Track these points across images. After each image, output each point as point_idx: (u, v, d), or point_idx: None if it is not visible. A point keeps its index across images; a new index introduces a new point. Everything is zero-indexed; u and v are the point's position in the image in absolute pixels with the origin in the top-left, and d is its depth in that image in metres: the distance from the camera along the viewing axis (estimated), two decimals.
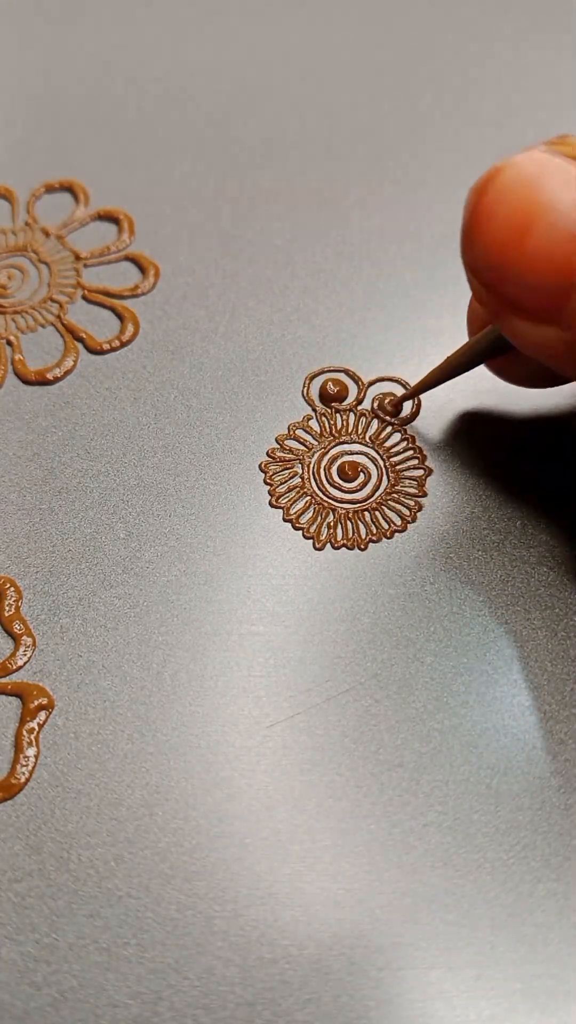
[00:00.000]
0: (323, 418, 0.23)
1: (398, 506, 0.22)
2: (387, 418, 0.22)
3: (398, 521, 0.22)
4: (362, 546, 0.21)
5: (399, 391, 0.23)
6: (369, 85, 0.29)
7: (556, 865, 0.18)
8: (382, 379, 0.24)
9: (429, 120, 0.29)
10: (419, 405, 0.23)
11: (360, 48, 0.30)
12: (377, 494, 0.22)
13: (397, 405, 0.23)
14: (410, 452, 0.23)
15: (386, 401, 0.23)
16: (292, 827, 0.18)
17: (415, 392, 0.23)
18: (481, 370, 0.22)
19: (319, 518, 0.22)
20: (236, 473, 0.22)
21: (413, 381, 0.24)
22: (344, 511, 0.22)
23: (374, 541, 0.21)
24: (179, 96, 0.30)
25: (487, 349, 0.20)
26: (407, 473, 0.22)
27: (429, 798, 0.18)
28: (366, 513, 0.22)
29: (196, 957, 0.17)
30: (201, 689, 0.20)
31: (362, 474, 0.22)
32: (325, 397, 0.23)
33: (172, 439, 0.23)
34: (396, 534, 0.21)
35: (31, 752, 0.19)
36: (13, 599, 0.21)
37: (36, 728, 0.19)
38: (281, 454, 0.23)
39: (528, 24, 0.31)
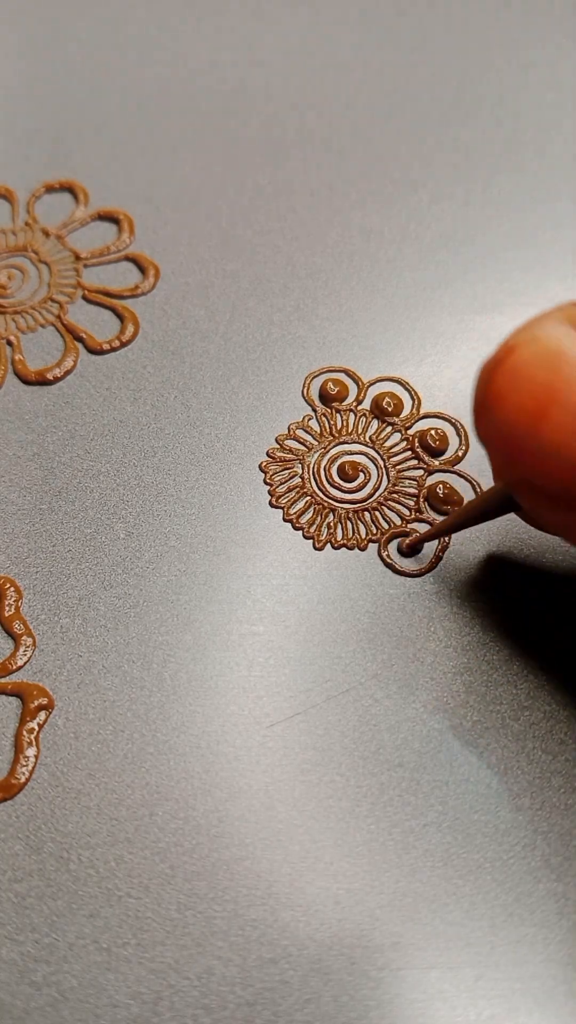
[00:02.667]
0: (323, 418, 0.23)
1: (398, 506, 0.22)
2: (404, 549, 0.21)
3: (398, 521, 0.22)
4: (362, 546, 0.21)
5: (399, 391, 0.23)
6: (369, 85, 0.29)
7: (556, 865, 0.18)
8: (382, 379, 0.24)
9: (429, 120, 0.29)
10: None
11: (360, 48, 0.30)
12: (377, 494, 0.22)
13: (412, 546, 0.21)
14: (410, 452, 0.23)
15: (404, 544, 0.21)
16: (292, 827, 0.18)
17: (425, 538, 0.21)
18: None
19: (319, 518, 0.22)
20: (236, 473, 0.22)
21: (413, 380, 0.24)
22: (344, 511, 0.22)
23: (374, 541, 0.21)
24: (179, 96, 0.30)
25: (498, 507, 0.19)
26: (407, 473, 0.22)
27: (429, 798, 0.18)
28: (366, 513, 0.22)
29: (196, 957, 0.17)
30: (201, 689, 0.20)
31: (362, 474, 0.22)
32: (325, 397, 0.23)
33: (172, 439, 0.23)
34: (396, 535, 0.21)
35: (31, 752, 0.19)
36: (13, 599, 0.21)
37: (36, 728, 0.19)
38: (281, 454, 0.23)
39: (528, 24, 0.31)
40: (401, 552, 0.21)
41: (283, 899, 0.18)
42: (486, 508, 0.19)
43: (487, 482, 0.22)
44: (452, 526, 0.20)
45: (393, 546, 0.21)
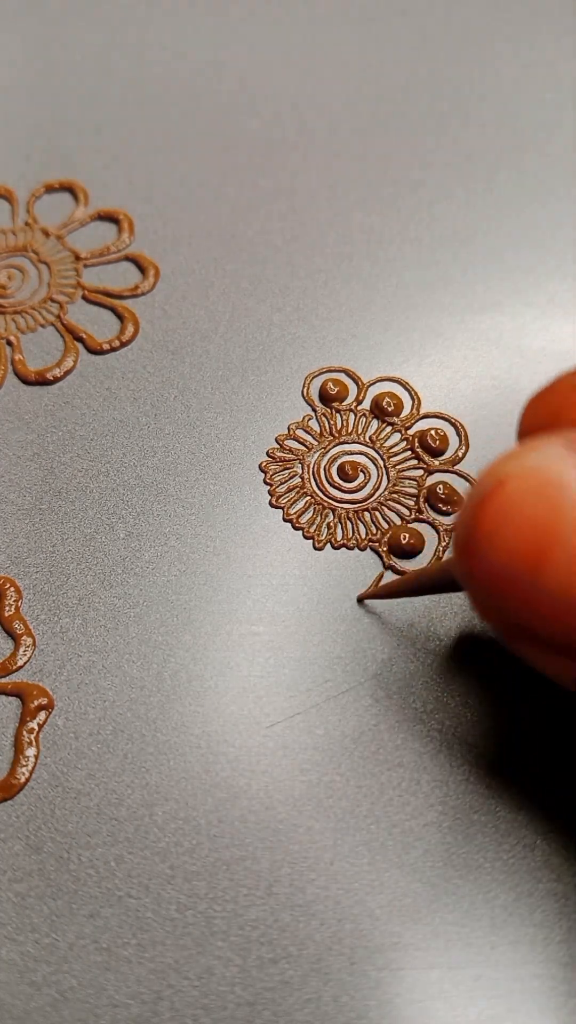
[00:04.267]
0: (323, 418, 0.23)
1: (398, 506, 0.22)
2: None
3: (398, 521, 0.22)
4: (362, 546, 0.21)
5: (399, 391, 0.23)
6: (369, 85, 0.29)
7: (556, 865, 0.18)
8: (382, 379, 0.24)
9: (429, 120, 0.29)
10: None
11: (360, 48, 0.30)
12: (377, 494, 0.22)
13: (362, 600, 0.21)
14: (410, 452, 0.23)
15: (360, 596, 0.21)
16: (292, 827, 0.18)
17: (374, 595, 0.20)
18: None
19: (319, 518, 0.22)
20: (236, 473, 0.22)
21: (413, 380, 0.24)
22: (344, 511, 0.22)
23: (374, 541, 0.21)
24: (179, 96, 0.30)
25: (448, 586, 0.17)
26: (407, 473, 0.22)
27: (429, 798, 0.18)
28: (366, 513, 0.22)
29: (196, 957, 0.17)
30: (201, 689, 0.20)
31: (362, 474, 0.22)
32: (325, 397, 0.23)
33: (172, 439, 0.23)
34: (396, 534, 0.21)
35: (31, 752, 0.19)
36: (13, 599, 0.21)
37: (36, 728, 0.19)
38: (281, 454, 0.23)
39: (528, 24, 0.31)
40: (358, 600, 0.21)
41: (283, 899, 0.18)
42: (436, 584, 0.18)
43: None
44: (403, 591, 0.19)
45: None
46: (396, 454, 0.23)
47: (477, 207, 0.27)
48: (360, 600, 0.21)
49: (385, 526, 0.22)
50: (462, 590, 0.17)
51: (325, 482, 0.22)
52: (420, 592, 0.19)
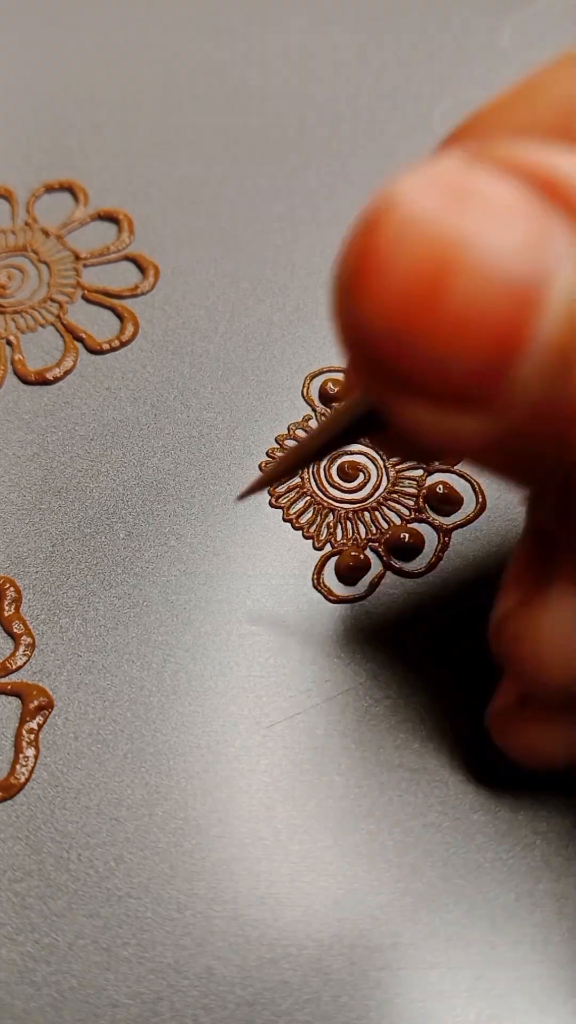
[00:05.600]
0: (323, 418, 0.23)
1: (398, 506, 0.22)
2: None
3: (398, 521, 0.22)
4: (362, 546, 0.21)
5: None
6: (369, 85, 0.30)
7: (556, 865, 0.18)
8: None
9: (429, 120, 0.29)
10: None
11: (360, 48, 0.30)
12: (377, 494, 0.22)
13: (244, 494, 0.18)
14: None
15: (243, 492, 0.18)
16: (292, 827, 0.18)
17: (268, 480, 0.17)
18: None
19: (319, 518, 0.22)
20: (236, 473, 0.22)
21: None
22: (344, 511, 0.22)
23: (374, 541, 0.21)
24: (179, 96, 0.30)
25: (358, 427, 0.15)
26: (407, 473, 0.22)
27: (429, 798, 0.18)
28: (366, 513, 0.22)
29: (196, 957, 0.17)
30: (201, 689, 0.20)
31: (362, 474, 0.22)
32: (325, 397, 0.23)
33: (172, 439, 0.23)
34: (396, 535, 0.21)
35: (31, 752, 0.19)
36: (13, 599, 0.21)
37: (36, 728, 0.19)
38: (281, 454, 0.23)
39: (528, 24, 0.31)
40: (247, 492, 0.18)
41: (283, 899, 0.18)
42: (342, 430, 0.15)
43: (487, 482, 0.22)
44: (300, 460, 0.16)
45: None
46: None
47: None
48: (240, 498, 0.18)
49: (385, 526, 0.22)
50: (362, 436, 0.16)
51: (325, 482, 0.22)
52: (297, 466, 0.16)
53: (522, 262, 0.09)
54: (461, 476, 0.22)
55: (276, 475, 0.17)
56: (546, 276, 0.09)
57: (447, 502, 0.22)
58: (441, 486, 0.22)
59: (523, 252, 0.09)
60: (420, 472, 0.22)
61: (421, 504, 0.22)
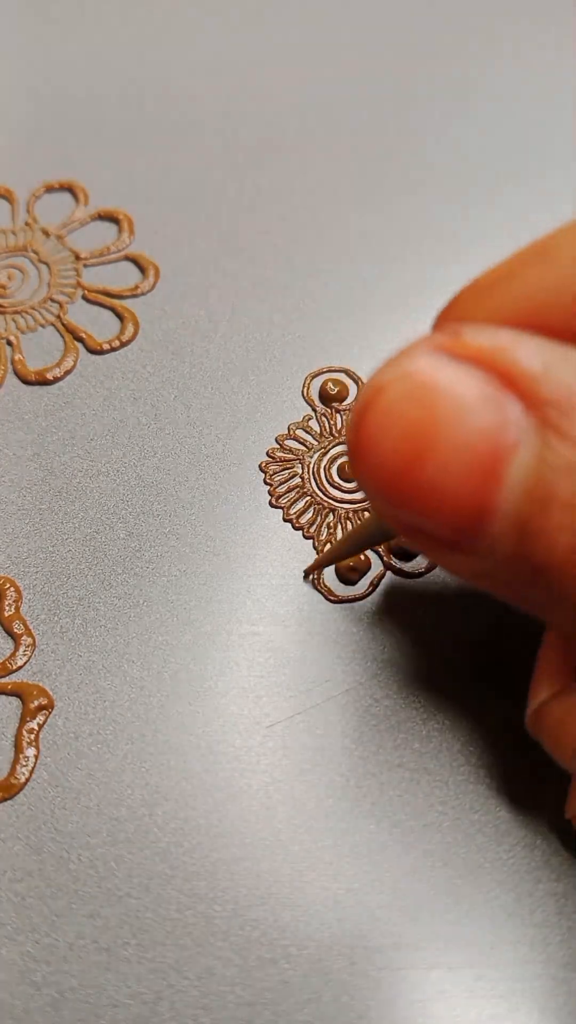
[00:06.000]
0: (323, 418, 0.23)
1: None
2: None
3: None
4: None
5: None
6: (369, 85, 0.29)
7: (556, 865, 0.18)
8: None
9: (429, 120, 0.29)
10: None
11: (360, 48, 0.30)
12: None
13: (308, 573, 0.21)
14: None
15: (308, 570, 0.21)
16: (292, 827, 0.18)
17: (316, 567, 0.21)
18: None
19: (319, 518, 0.22)
20: (236, 473, 0.22)
21: None
22: (344, 511, 0.22)
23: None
24: (179, 96, 0.30)
25: (378, 535, 0.18)
26: None
27: (429, 798, 0.18)
28: (366, 513, 0.22)
29: (196, 957, 0.17)
30: (201, 689, 0.20)
31: None
32: (325, 397, 0.23)
33: (172, 439, 0.23)
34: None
35: (31, 752, 0.19)
36: (13, 599, 0.21)
37: (36, 728, 0.19)
38: (281, 454, 0.23)
39: (528, 24, 0.31)
40: (304, 576, 0.21)
41: (283, 899, 0.18)
42: (369, 538, 0.18)
43: None
44: (341, 554, 0.20)
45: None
46: None
47: (477, 207, 0.27)
48: (306, 575, 0.21)
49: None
50: (392, 537, 0.18)
51: (325, 482, 0.22)
52: (357, 549, 0.19)
53: (481, 447, 0.11)
54: None
55: (322, 564, 0.20)
56: (504, 456, 0.11)
57: None
58: None
59: (481, 439, 0.11)
60: None
61: None
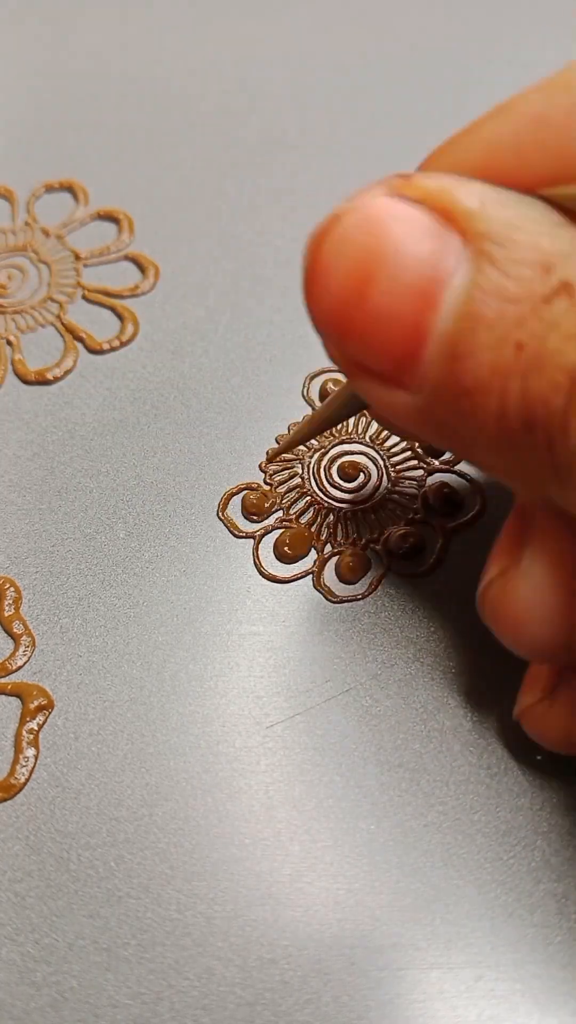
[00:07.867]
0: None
1: (398, 506, 0.22)
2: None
3: (398, 521, 0.22)
4: (362, 546, 0.21)
5: None
6: (369, 85, 0.29)
7: (556, 865, 0.18)
8: None
9: (429, 120, 0.29)
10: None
11: (360, 48, 0.30)
12: (378, 494, 0.22)
13: (272, 459, 0.22)
14: (410, 452, 0.23)
15: (269, 452, 0.21)
16: (292, 827, 0.18)
17: (286, 448, 0.21)
18: None
19: (319, 518, 0.22)
20: (236, 473, 0.22)
21: None
22: (344, 511, 0.22)
23: (374, 541, 0.21)
24: (179, 96, 0.30)
25: (347, 406, 0.18)
26: (407, 473, 0.22)
27: (429, 798, 0.18)
28: (367, 513, 0.22)
29: (196, 957, 0.17)
30: (201, 689, 0.20)
31: (362, 474, 0.22)
32: (325, 397, 0.23)
33: (172, 439, 0.23)
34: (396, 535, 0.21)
35: (31, 752, 0.19)
36: (13, 599, 0.21)
37: (36, 728, 0.19)
38: (286, 433, 0.23)
39: (528, 24, 0.31)
40: (268, 457, 0.21)
41: (283, 899, 0.18)
42: (337, 410, 0.18)
43: (487, 482, 0.22)
44: (308, 433, 0.20)
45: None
46: (396, 454, 0.23)
47: None
48: (270, 459, 0.21)
49: (385, 527, 0.22)
50: (359, 410, 0.18)
51: (325, 482, 0.22)
52: (326, 425, 0.19)
53: (422, 273, 0.12)
54: (462, 477, 0.22)
55: (287, 447, 0.20)
56: (442, 280, 0.12)
57: (448, 503, 0.22)
58: (441, 486, 0.22)
59: (422, 265, 0.12)
60: (421, 472, 0.22)
61: (422, 504, 0.22)
